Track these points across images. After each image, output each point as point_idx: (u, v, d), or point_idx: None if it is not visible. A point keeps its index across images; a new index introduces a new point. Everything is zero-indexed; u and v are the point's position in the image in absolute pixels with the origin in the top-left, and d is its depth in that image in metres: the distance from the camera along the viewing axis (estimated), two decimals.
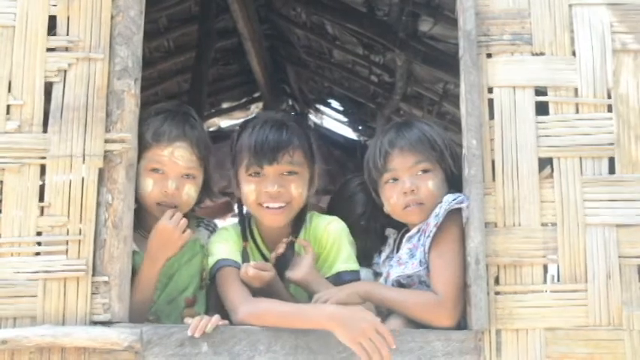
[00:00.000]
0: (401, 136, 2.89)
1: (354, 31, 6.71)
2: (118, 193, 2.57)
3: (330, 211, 3.26)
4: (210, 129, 9.34)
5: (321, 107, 10.10)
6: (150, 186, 2.86)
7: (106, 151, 2.58)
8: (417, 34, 5.92)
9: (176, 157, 2.88)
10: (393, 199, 2.86)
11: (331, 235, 2.95)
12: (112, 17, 2.67)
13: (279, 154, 2.83)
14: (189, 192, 2.92)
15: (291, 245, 2.96)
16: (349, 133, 10.13)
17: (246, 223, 3.03)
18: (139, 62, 2.68)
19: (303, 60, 8.64)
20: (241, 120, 3.03)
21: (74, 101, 2.60)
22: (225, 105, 9.64)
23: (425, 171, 2.83)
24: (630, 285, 2.53)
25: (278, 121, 2.93)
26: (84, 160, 2.56)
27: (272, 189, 2.83)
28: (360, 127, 9.81)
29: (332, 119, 10.24)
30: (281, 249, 2.92)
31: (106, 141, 2.58)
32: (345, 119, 9.95)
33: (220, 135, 7.23)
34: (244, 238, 2.99)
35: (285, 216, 2.89)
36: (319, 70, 8.80)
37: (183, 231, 2.78)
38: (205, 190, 3.04)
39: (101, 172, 2.57)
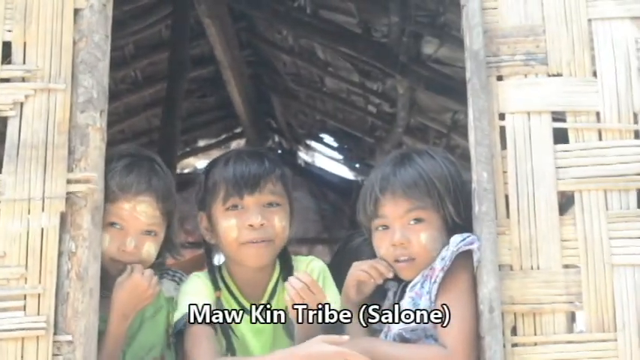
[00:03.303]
0: (394, 178, 2.88)
1: (349, 56, 6.80)
2: (83, 240, 2.59)
3: (332, 269, 3.29)
4: (185, 170, 9.39)
5: (313, 143, 10.16)
6: (106, 242, 2.87)
7: (68, 193, 2.60)
8: (420, 57, 6.01)
9: (138, 213, 2.92)
10: (382, 250, 2.90)
11: (315, 272, 3.02)
12: (74, 43, 2.70)
13: (261, 181, 2.95)
14: (149, 250, 2.97)
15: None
16: (345, 173, 10.18)
17: (216, 271, 3.10)
18: (104, 92, 2.72)
19: (291, 90, 8.70)
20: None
21: (32, 137, 2.63)
22: (201, 143, 9.70)
23: (418, 220, 2.84)
24: None
25: (255, 152, 3.09)
26: (43, 203, 2.58)
27: (255, 220, 2.92)
28: (357, 166, 9.85)
29: (325, 157, 10.31)
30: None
31: (69, 181, 2.61)
32: (340, 157, 10.01)
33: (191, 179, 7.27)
34: (216, 287, 3.05)
35: (268, 253, 2.99)
36: (309, 100, 8.86)
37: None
38: (167, 246, 3.11)
39: (63, 216, 2.59)
